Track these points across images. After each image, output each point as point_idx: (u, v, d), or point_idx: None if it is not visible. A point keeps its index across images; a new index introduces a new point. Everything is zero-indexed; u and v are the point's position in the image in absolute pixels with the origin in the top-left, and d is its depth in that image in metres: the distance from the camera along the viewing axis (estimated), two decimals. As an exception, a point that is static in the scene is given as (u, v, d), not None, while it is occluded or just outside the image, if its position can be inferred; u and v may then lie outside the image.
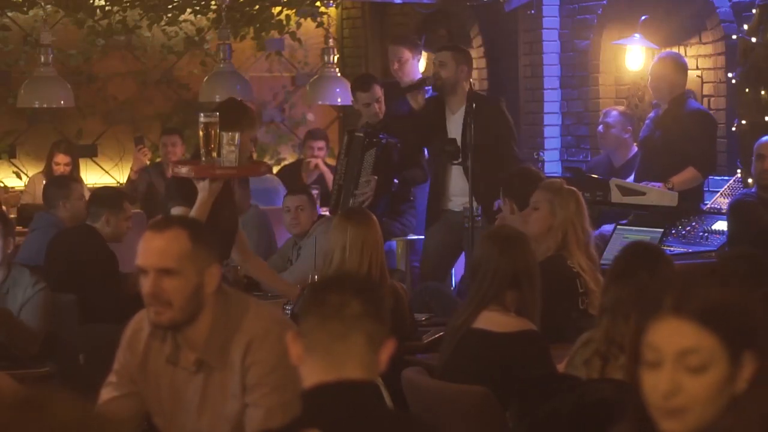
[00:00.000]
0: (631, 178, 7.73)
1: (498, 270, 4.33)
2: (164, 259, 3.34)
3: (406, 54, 8.55)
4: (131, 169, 9.64)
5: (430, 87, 7.71)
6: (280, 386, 3.32)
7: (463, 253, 7.50)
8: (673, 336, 2.09)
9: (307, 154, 9.61)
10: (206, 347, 3.40)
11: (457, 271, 7.88)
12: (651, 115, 7.73)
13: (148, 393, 3.50)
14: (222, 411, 3.39)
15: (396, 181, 7.72)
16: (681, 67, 7.56)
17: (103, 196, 6.96)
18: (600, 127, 8.33)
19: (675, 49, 8.33)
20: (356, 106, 8.21)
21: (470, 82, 7.64)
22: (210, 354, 3.40)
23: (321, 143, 9.51)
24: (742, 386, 2.10)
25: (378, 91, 7.88)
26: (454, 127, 7.39)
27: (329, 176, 9.15)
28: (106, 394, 3.53)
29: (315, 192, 8.93)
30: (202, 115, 5.37)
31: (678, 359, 2.08)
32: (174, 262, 3.33)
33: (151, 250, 3.36)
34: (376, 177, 7.68)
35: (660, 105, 7.62)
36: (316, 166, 9.47)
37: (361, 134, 7.91)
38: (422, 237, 7.83)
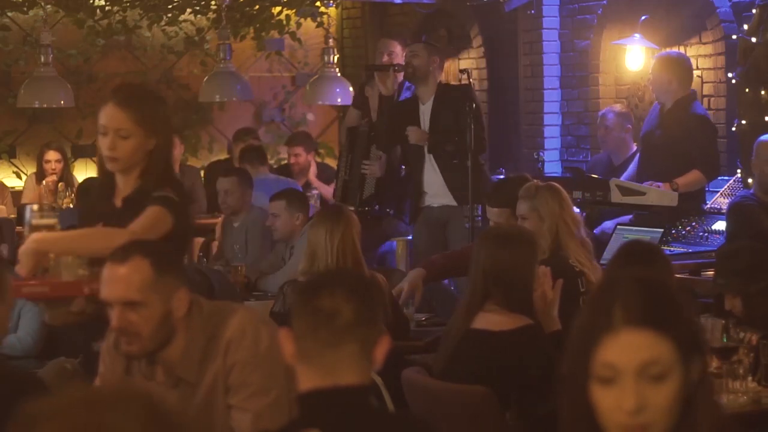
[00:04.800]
0: (628, 172, 7.73)
1: (486, 269, 4.33)
2: (127, 291, 3.24)
3: (397, 48, 8.56)
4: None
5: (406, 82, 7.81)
6: (264, 387, 3.29)
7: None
8: (632, 349, 2.02)
9: (289, 161, 9.60)
10: (183, 364, 3.35)
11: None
12: (655, 107, 7.69)
13: None
14: (203, 423, 3.36)
15: (403, 167, 7.79)
16: (680, 67, 7.51)
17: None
18: (600, 130, 8.31)
19: (675, 49, 8.32)
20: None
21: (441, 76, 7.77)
22: (186, 371, 3.35)
23: (297, 149, 9.42)
24: (693, 389, 2.05)
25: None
26: (425, 118, 7.47)
27: (323, 189, 9.11)
28: None
29: (315, 192, 8.95)
30: (32, 213, 4.00)
31: (639, 372, 2.01)
32: (137, 294, 3.24)
33: (114, 282, 3.27)
34: (385, 155, 7.78)
35: (660, 102, 7.61)
36: (310, 171, 9.46)
37: (366, 128, 7.97)
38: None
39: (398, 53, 8.56)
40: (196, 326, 3.35)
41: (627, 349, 2.02)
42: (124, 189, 4.09)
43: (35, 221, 3.86)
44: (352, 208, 8.02)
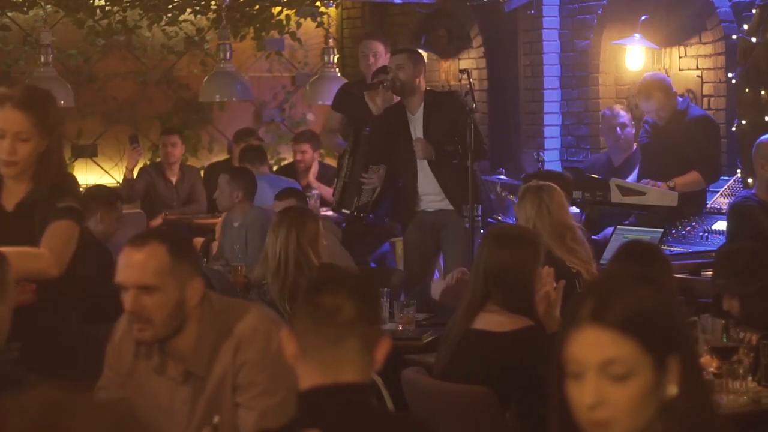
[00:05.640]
0: (631, 177, 7.73)
1: (487, 268, 4.34)
2: (143, 275, 3.27)
3: (381, 48, 8.56)
4: (126, 167, 9.65)
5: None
6: (271, 387, 3.30)
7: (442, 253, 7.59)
8: (593, 346, 2.04)
9: (295, 158, 9.62)
10: (194, 358, 3.36)
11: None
12: (648, 119, 7.72)
13: (133, 399, 3.45)
14: (211, 420, 3.36)
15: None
16: (668, 89, 7.52)
17: (98, 194, 6.96)
18: (617, 129, 8.24)
19: (675, 49, 8.33)
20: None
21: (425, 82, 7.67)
22: (197, 364, 3.36)
23: (305, 146, 9.47)
24: (672, 391, 2.06)
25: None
26: (416, 128, 7.41)
27: (322, 190, 9.11)
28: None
29: (315, 192, 8.94)
30: None
31: (601, 369, 2.03)
32: (153, 278, 3.26)
33: (130, 266, 3.29)
34: (385, 166, 7.74)
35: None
36: (311, 172, 9.47)
37: (368, 133, 7.93)
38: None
39: (382, 53, 8.53)
40: (206, 320, 3.36)
41: (589, 345, 2.04)
42: (15, 193, 4.00)
43: None
44: (347, 212, 8.04)
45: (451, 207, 7.33)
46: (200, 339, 3.35)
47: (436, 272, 7.76)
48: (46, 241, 3.88)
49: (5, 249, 3.68)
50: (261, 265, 5.59)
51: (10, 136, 3.92)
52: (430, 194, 7.43)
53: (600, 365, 2.03)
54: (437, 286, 5.89)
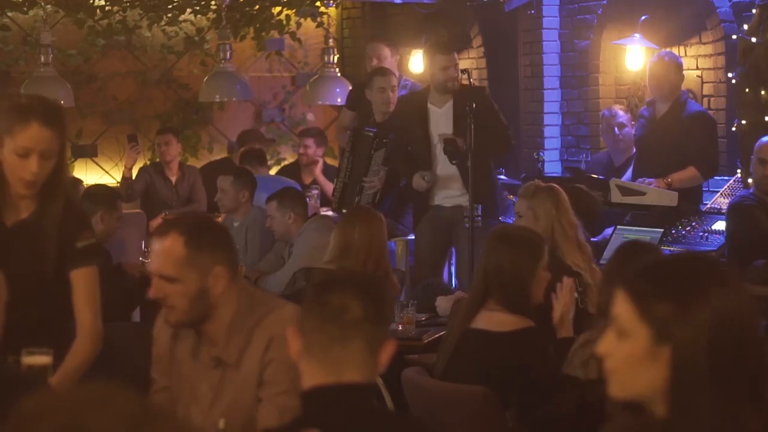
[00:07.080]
0: (626, 175, 7.74)
1: (487, 267, 4.35)
2: (163, 265, 3.38)
3: (385, 51, 8.57)
4: (124, 166, 9.65)
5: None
6: (294, 388, 3.31)
7: (454, 249, 7.57)
8: (615, 301, 2.22)
9: (298, 152, 9.66)
10: (225, 345, 3.42)
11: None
12: (644, 112, 7.73)
13: (173, 383, 3.55)
14: (234, 408, 3.40)
15: (404, 180, 7.73)
16: (680, 67, 7.58)
17: (99, 194, 6.95)
18: (615, 129, 8.26)
19: (675, 49, 8.33)
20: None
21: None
22: (228, 352, 3.42)
23: (308, 141, 9.51)
24: (663, 374, 2.15)
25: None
26: (443, 122, 7.36)
27: (327, 187, 9.13)
28: (153, 390, 3.60)
29: (315, 192, 8.95)
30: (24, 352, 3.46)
31: (613, 322, 2.20)
32: (171, 269, 3.37)
33: (154, 254, 3.43)
34: (385, 168, 7.73)
35: (656, 102, 7.62)
36: (317, 167, 9.51)
37: (370, 134, 7.92)
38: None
39: (386, 56, 8.55)
40: (243, 307, 3.43)
41: (615, 300, 2.22)
42: (19, 209, 3.87)
43: (28, 360, 3.44)
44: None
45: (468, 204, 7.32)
46: (232, 328, 3.41)
47: (445, 273, 7.76)
48: (82, 301, 3.87)
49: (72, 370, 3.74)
50: (338, 252, 5.73)
51: (37, 154, 3.74)
52: (450, 189, 7.39)
53: (612, 319, 2.20)
54: (444, 303, 5.93)
